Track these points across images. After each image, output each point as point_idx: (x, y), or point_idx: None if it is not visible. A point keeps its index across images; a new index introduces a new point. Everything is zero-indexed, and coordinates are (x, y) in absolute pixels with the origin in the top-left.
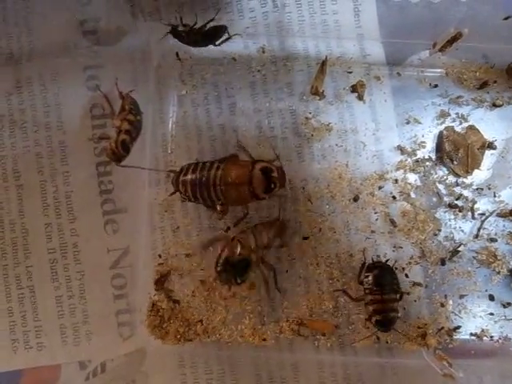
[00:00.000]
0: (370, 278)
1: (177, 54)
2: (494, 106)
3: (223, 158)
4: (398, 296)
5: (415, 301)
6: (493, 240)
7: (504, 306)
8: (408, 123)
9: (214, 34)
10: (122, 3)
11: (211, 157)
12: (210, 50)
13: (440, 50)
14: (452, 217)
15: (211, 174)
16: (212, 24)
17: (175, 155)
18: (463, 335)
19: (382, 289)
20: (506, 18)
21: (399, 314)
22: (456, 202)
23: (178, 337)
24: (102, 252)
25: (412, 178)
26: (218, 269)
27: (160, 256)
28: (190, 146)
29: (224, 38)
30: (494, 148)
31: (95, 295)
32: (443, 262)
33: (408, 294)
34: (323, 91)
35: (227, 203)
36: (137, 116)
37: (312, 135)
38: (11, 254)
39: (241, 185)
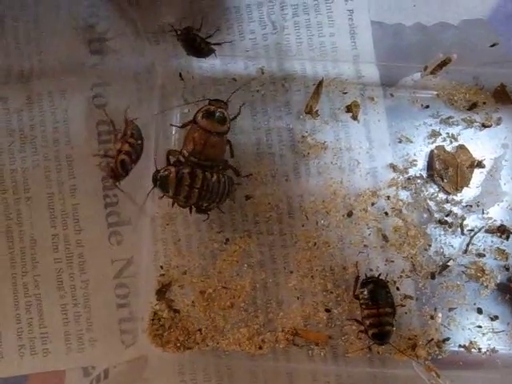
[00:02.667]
0: (366, 292)
1: (180, 75)
2: (483, 126)
3: None
4: (392, 310)
5: (406, 313)
6: (481, 255)
7: (492, 319)
8: (400, 142)
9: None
10: (128, 25)
11: None
12: (212, 70)
13: (431, 73)
14: (442, 232)
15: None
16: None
17: None
18: (452, 347)
19: (377, 303)
20: (493, 45)
21: (394, 327)
22: (446, 218)
23: (178, 345)
24: (107, 262)
25: (404, 194)
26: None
27: (162, 267)
28: None
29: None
30: (483, 167)
31: (99, 304)
32: (433, 276)
33: (403, 306)
34: (317, 111)
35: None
36: (138, 140)
37: (308, 153)
38: (20, 264)
39: (204, 141)
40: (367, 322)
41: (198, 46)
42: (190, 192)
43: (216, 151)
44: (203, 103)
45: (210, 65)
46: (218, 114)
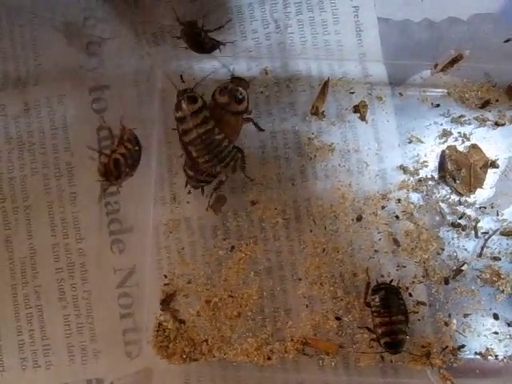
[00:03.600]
0: (377, 299)
1: (181, 77)
2: (497, 124)
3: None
4: (405, 317)
5: (419, 320)
6: (496, 259)
7: (508, 325)
8: (410, 142)
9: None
10: (126, 27)
11: None
12: (214, 71)
13: (441, 71)
14: (455, 236)
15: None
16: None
17: (180, 175)
18: (468, 354)
19: (389, 311)
20: (507, 41)
21: (407, 335)
22: (459, 220)
23: (184, 356)
24: (109, 271)
25: (415, 197)
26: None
27: (166, 276)
28: None
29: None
30: (497, 167)
31: (102, 314)
32: (447, 281)
33: (416, 312)
34: (323, 111)
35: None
36: (135, 146)
37: (315, 155)
38: (20, 274)
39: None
40: (379, 331)
41: (202, 41)
42: (192, 134)
43: (229, 130)
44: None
45: (212, 66)
46: (236, 91)
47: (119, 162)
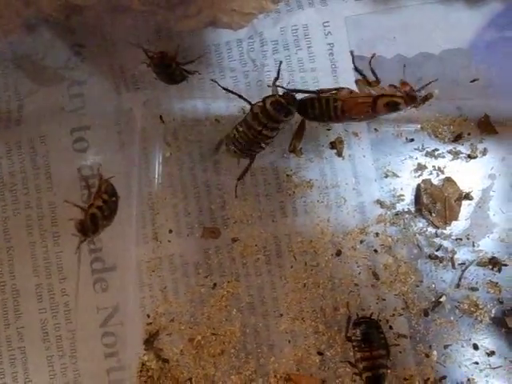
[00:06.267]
0: (358, 333)
1: (160, 117)
2: (469, 157)
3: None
4: (386, 351)
5: (400, 352)
6: (474, 289)
7: (488, 355)
8: (387, 177)
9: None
10: (105, 72)
11: (197, 214)
12: (194, 111)
13: (414, 106)
14: (433, 267)
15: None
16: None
17: (162, 214)
18: None
19: (370, 345)
20: (473, 81)
21: (389, 370)
22: (436, 252)
23: None
24: (92, 311)
25: (392, 230)
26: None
27: (148, 316)
28: (176, 204)
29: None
30: (471, 199)
31: (86, 354)
32: (426, 313)
33: (397, 345)
34: (301, 148)
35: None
36: (112, 197)
37: (294, 192)
38: (1, 316)
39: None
40: (361, 366)
41: (173, 73)
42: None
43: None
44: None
45: (192, 106)
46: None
47: (96, 216)
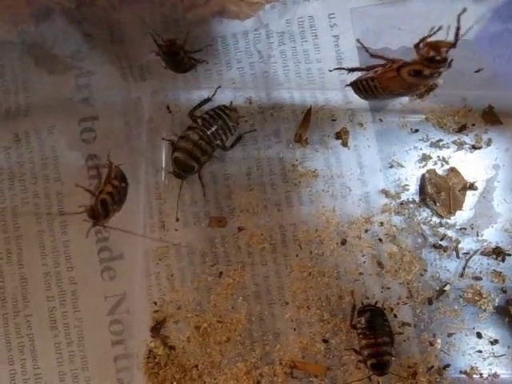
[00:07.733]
0: (363, 321)
1: (168, 107)
2: (474, 148)
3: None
4: (391, 339)
5: (405, 340)
6: (478, 278)
7: (492, 343)
8: (391, 167)
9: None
10: (112, 63)
11: (203, 203)
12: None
13: (419, 97)
14: (437, 257)
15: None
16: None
17: (168, 204)
18: (453, 373)
19: (375, 332)
20: (478, 71)
21: (393, 357)
22: (440, 242)
23: (175, 383)
24: (100, 299)
25: (397, 220)
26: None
27: (155, 303)
28: (183, 194)
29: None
30: (475, 189)
31: (94, 341)
32: (430, 302)
33: (402, 333)
34: (306, 139)
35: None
36: (121, 183)
37: (299, 181)
38: (11, 304)
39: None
40: (365, 353)
41: (181, 61)
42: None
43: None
44: None
45: (198, 96)
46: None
47: (106, 202)
